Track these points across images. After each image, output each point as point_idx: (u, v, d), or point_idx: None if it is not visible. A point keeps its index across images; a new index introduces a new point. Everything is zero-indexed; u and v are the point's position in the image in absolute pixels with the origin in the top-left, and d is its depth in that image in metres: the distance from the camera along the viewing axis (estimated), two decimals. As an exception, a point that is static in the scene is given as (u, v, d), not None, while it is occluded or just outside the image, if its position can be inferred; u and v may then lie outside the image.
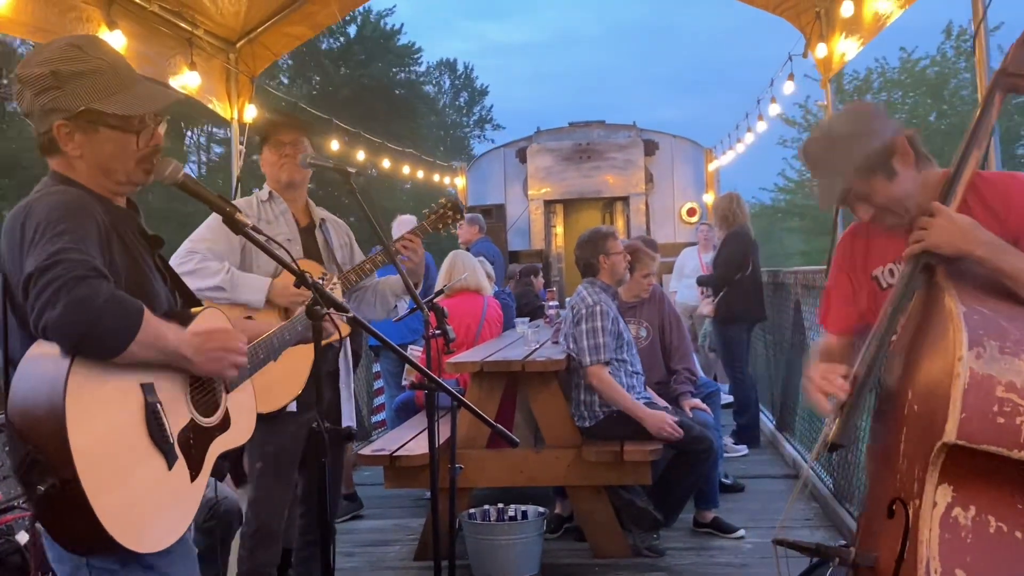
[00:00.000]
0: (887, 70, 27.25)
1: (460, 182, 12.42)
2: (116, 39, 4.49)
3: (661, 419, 4.35)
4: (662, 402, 4.75)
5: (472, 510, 4.35)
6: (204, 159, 32.90)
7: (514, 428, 4.85)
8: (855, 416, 1.94)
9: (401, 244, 3.29)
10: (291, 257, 2.19)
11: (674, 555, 4.47)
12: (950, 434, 1.69)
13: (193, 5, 5.33)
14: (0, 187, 23.03)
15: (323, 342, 2.27)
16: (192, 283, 2.96)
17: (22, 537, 2.86)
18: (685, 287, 8.74)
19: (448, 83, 48.84)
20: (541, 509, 4.36)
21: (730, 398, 6.91)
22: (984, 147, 2.05)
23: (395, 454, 4.37)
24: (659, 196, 11.62)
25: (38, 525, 1.80)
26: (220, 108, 6.08)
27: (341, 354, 3.33)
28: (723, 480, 5.32)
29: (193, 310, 2.05)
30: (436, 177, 15.22)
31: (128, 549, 1.69)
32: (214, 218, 2.97)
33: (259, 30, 6.10)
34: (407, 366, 5.75)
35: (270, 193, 3.32)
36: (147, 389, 1.79)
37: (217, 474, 2.10)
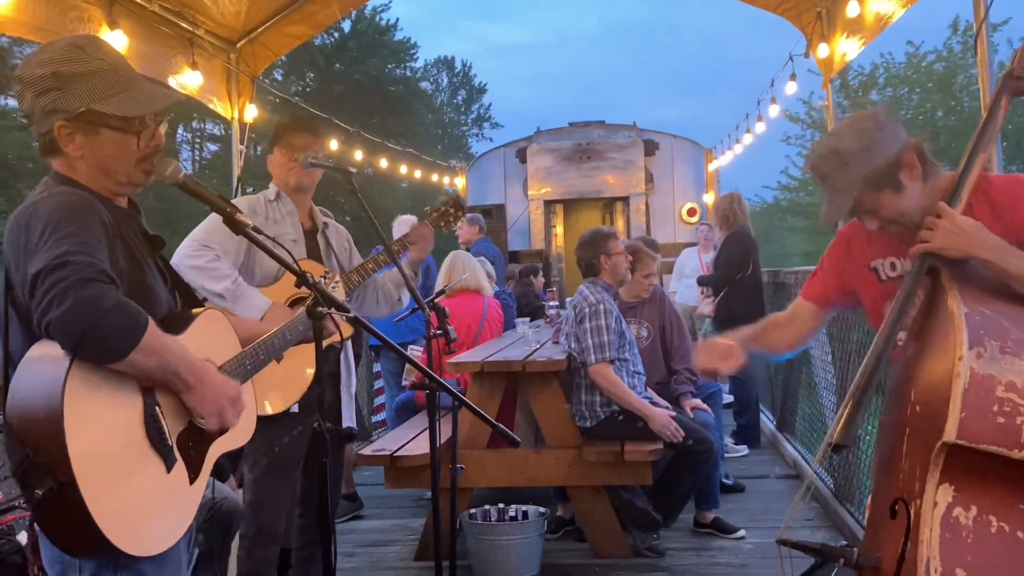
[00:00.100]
0: (893, 65, 27.06)
1: (460, 182, 12.41)
2: (117, 39, 4.49)
3: (665, 417, 4.36)
4: (663, 402, 4.75)
5: (473, 510, 4.35)
6: (197, 156, 32.44)
7: (515, 428, 4.85)
8: (858, 417, 1.94)
9: (417, 234, 3.30)
10: (292, 258, 2.19)
11: (674, 555, 4.47)
12: (950, 434, 1.69)
13: (194, 5, 5.33)
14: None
15: (324, 343, 2.26)
16: (197, 279, 2.95)
17: (23, 537, 2.86)
18: (685, 287, 8.74)
19: (446, 81, 48.58)
20: (542, 509, 4.36)
21: (730, 398, 6.91)
22: (990, 150, 2.06)
23: (396, 454, 4.37)
24: (659, 196, 11.62)
25: (36, 527, 1.80)
26: (221, 108, 6.08)
27: (342, 355, 3.33)
28: (723, 480, 5.32)
29: (194, 311, 2.05)
30: (434, 177, 15.21)
31: (125, 552, 1.68)
32: None
33: (260, 30, 6.10)
34: (407, 366, 5.75)
35: (278, 193, 3.29)
36: (146, 391, 1.78)
37: (221, 475, 2.10)
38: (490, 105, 48.72)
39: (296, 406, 3.08)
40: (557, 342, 5.21)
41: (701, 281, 7.49)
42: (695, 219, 11.23)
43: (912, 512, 1.81)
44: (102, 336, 1.65)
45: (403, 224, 7.08)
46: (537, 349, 4.93)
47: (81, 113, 1.86)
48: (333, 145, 9.33)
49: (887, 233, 2.16)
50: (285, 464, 3.14)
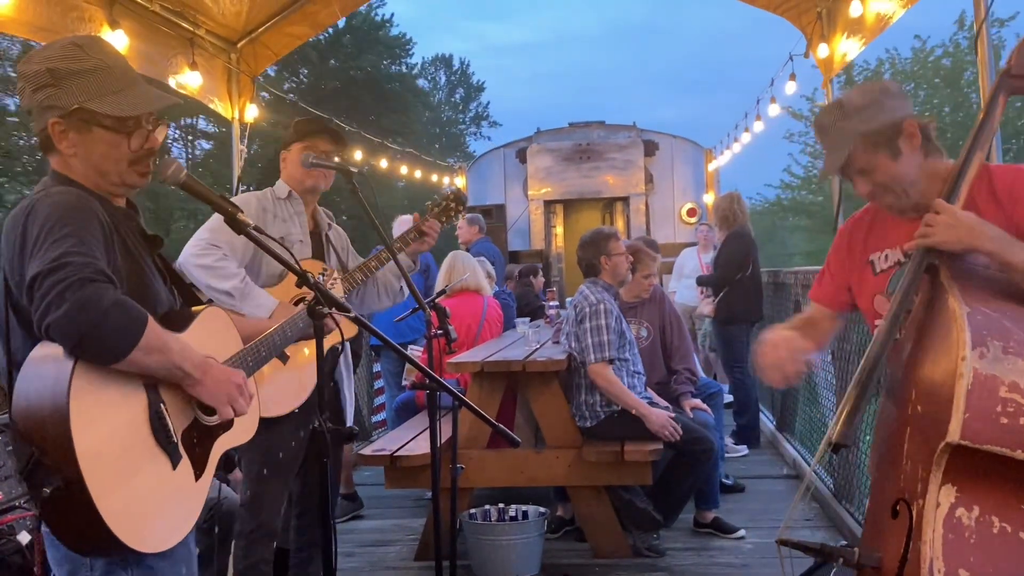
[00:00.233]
0: (898, 61, 26.91)
1: (460, 182, 12.41)
2: (118, 39, 4.50)
3: (663, 417, 4.36)
4: (663, 402, 4.75)
5: (473, 510, 4.35)
6: (188, 153, 31.91)
7: (515, 428, 4.86)
8: (857, 417, 1.94)
9: (425, 227, 3.30)
10: (294, 258, 2.18)
11: (674, 555, 4.47)
12: (953, 434, 1.69)
13: (195, 5, 5.33)
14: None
15: (325, 341, 2.26)
16: (204, 278, 2.94)
17: (23, 537, 2.85)
18: (684, 287, 8.74)
19: (444, 79, 48.36)
20: (542, 509, 4.36)
21: (730, 398, 6.91)
22: (987, 148, 2.06)
23: (396, 454, 4.37)
24: (659, 196, 11.62)
25: (43, 527, 1.80)
26: (221, 108, 6.08)
27: (341, 356, 3.33)
28: (723, 480, 5.32)
29: (194, 309, 2.05)
30: (434, 177, 15.20)
31: (133, 549, 1.69)
32: None
33: (260, 30, 6.10)
34: (407, 366, 5.75)
35: (289, 192, 3.25)
36: (150, 389, 1.79)
37: (227, 464, 2.11)
38: (488, 103, 48.55)
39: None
40: (557, 342, 5.21)
41: (701, 281, 7.49)
42: (695, 219, 11.23)
43: (914, 512, 1.81)
44: (102, 336, 1.65)
45: (403, 224, 7.07)
46: (537, 349, 4.94)
47: (74, 110, 1.86)
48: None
49: (880, 204, 2.17)
50: (284, 463, 3.13)
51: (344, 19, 34.60)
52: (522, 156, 11.71)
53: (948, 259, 1.94)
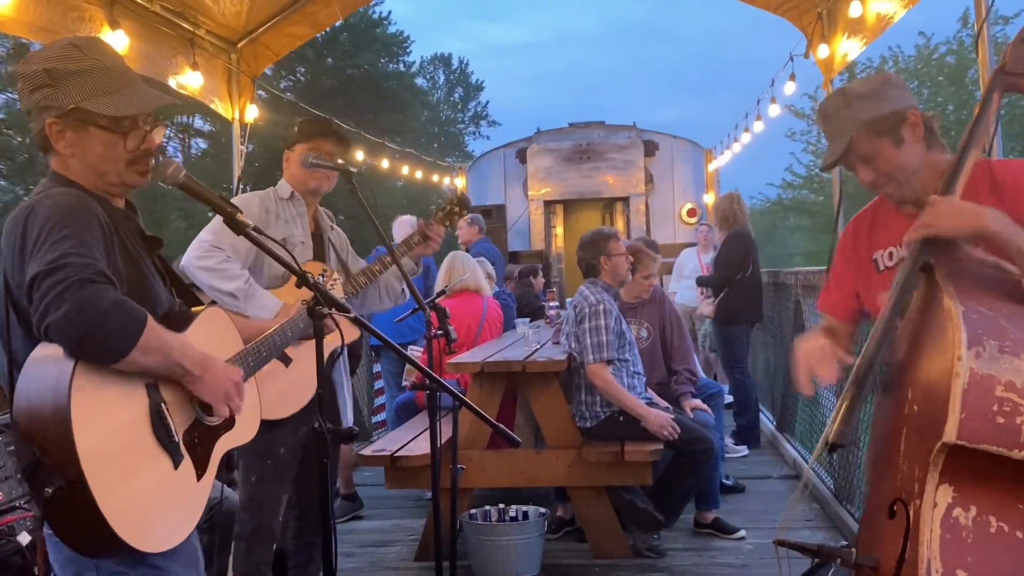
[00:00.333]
0: (902, 59, 26.77)
1: (460, 182, 12.41)
2: (118, 39, 4.50)
3: (662, 417, 4.36)
4: (663, 402, 4.75)
5: (473, 510, 4.35)
6: (182, 150, 31.60)
7: (515, 429, 4.86)
8: (854, 416, 1.94)
9: (431, 232, 3.30)
10: (294, 258, 2.19)
11: (675, 556, 4.48)
12: (950, 434, 1.69)
13: (195, 5, 5.33)
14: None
15: (324, 344, 2.26)
16: (208, 280, 2.94)
17: (24, 538, 2.85)
18: (684, 288, 8.74)
19: (442, 78, 48.15)
20: (542, 510, 4.37)
21: (730, 398, 6.91)
22: (982, 145, 2.06)
23: (396, 454, 4.37)
24: (659, 197, 11.62)
25: (45, 529, 1.80)
26: (222, 108, 6.08)
27: (340, 360, 3.33)
28: (724, 481, 5.32)
29: (194, 309, 2.05)
30: (435, 177, 15.19)
31: (135, 549, 1.69)
32: None
33: (260, 30, 6.11)
34: (408, 366, 5.75)
35: (292, 193, 3.23)
36: (151, 389, 1.80)
37: (228, 466, 2.11)
38: (487, 103, 48.36)
39: None
40: (557, 342, 5.22)
41: (701, 282, 7.49)
42: (695, 219, 11.23)
43: (911, 513, 1.81)
44: (102, 337, 1.66)
45: (403, 224, 7.09)
46: (537, 349, 4.94)
47: (71, 110, 1.86)
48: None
49: (882, 193, 2.17)
50: (282, 465, 3.13)
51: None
52: (522, 156, 11.71)
53: (944, 258, 1.94)
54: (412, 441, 4.62)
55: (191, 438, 1.88)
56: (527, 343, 5.09)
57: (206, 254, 2.99)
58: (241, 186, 6.24)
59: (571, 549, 4.64)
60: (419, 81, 43.64)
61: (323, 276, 2.93)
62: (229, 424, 2.01)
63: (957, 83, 25.56)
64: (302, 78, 33.59)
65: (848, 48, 5.55)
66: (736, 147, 11.34)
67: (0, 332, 1.86)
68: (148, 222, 2.15)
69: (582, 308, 4.55)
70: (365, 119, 27.04)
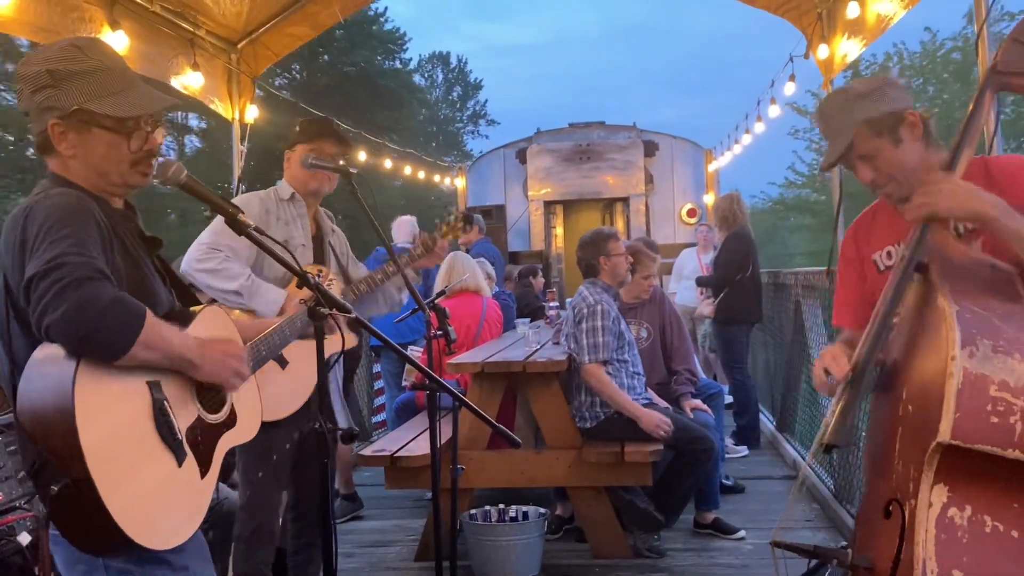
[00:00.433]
0: (907, 55, 26.63)
1: (460, 183, 12.43)
2: (119, 39, 4.50)
3: (657, 417, 4.37)
4: (662, 403, 4.76)
5: (473, 511, 4.36)
6: (178, 152, 31.30)
7: (515, 429, 4.86)
8: (850, 416, 1.95)
9: (437, 248, 3.32)
10: (294, 259, 2.19)
11: (675, 556, 4.48)
12: (944, 434, 1.70)
13: (195, 6, 5.34)
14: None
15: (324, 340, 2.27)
16: (209, 281, 2.95)
17: (24, 538, 2.86)
18: (684, 288, 8.74)
19: (441, 77, 47.87)
20: (542, 510, 4.37)
21: (730, 399, 6.92)
22: (975, 145, 2.07)
23: (396, 455, 4.38)
24: (659, 197, 11.62)
25: (51, 530, 1.81)
26: (222, 108, 6.09)
27: (336, 364, 3.33)
28: (724, 481, 5.33)
29: (193, 309, 2.06)
30: (436, 177, 15.17)
31: (142, 546, 1.70)
32: None
33: (261, 31, 6.11)
34: (407, 366, 5.76)
35: (292, 194, 3.23)
36: (154, 387, 1.81)
37: (226, 471, 2.13)
38: (486, 101, 48.09)
39: None
40: (557, 343, 5.22)
41: (700, 282, 7.49)
42: (695, 220, 11.23)
43: (907, 513, 1.81)
44: (102, 334, 1.67)
45: (402, 225, 7.08)
46: (537, 350, 4.94)
47: (74, 111, 1.87)
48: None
49: (882, 192, 2.18)
50: (279, 465, 3.14)
51: (340, 16, 33.87)
52: (522, 156, 11.71)
53: (938, 257, 1.95)
54: (412, 441, 4.62)
55: (194, 436, 1.89)
56: (527, 343, 5.10)
57: (204, 256, 3.00)
58: (240, 186, 6.24)
59: (571, 549, 4.65)
60: (417, 79, 43.32)
61: (319, 275, 2.94)
62: (231, 422, 2.02)
63: (963, 80, 25.44)
64: (298, 75, 33.23)
65: (848, 49, 5.55)
66: (736, 148, 11.34)
67: (0, 333, 1.86)
68: (144, 218, 2.15)
69: (580, 309, 4.56)
70: (362, 117, 26.88)
